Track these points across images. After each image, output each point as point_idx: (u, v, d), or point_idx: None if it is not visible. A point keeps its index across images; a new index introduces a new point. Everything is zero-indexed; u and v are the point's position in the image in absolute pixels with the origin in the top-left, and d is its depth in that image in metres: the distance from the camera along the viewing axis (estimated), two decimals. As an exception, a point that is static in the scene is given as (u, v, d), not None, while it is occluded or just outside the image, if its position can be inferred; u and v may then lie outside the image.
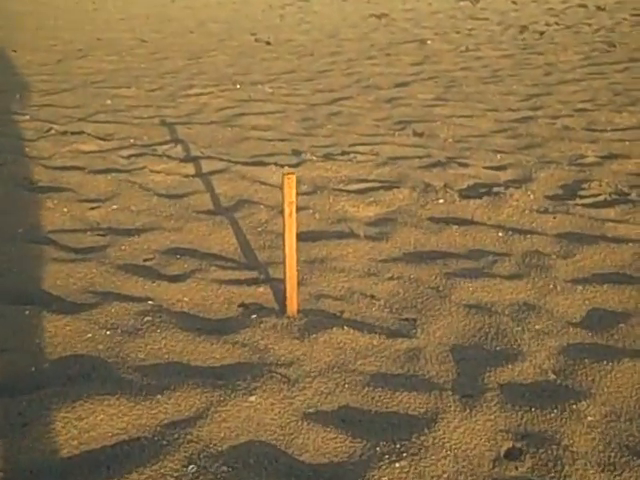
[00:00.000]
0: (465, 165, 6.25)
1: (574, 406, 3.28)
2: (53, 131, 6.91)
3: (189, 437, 3.05)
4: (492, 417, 3.22)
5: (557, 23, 14.57)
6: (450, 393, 3.36)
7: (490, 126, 7.51)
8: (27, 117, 7.35)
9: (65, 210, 5.27)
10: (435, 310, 4.09)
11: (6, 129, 6.96)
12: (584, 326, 3.96)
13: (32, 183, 5.72)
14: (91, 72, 9.62)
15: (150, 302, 4.12)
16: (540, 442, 3.07)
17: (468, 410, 3.24)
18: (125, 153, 6.43)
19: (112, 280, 4.36)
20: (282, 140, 6.88)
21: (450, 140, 7.04)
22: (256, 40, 12.12)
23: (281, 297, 4.16)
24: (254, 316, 4.00)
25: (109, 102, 8.11)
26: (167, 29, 13.14)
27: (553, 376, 3.54)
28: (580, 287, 4.29)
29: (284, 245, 3.95)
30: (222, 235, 4.97)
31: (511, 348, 3.74)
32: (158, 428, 3.13)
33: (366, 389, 3.42)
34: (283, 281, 4.03)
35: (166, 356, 3.66)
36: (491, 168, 6.23)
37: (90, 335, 3.80)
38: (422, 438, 3.08)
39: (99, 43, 11.65)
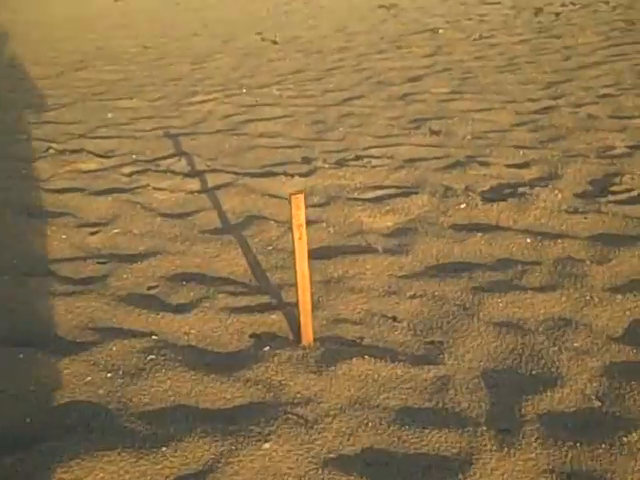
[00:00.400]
0: (486, 164, 5.88)
1: (624, 438, 2.93)
2: (52, 150, 6.62)
3: (198, 496, 2.75)
4: (533, 455, 2.88)
5: (573, 3, 14.11)
6: (485, 429, 3.03)
7: (510, 119, 7.12)
8: (25, 136, 7.07)
9: (64, 237, 4.98)
10: (463, 331, 3.75)
11: (4, 151, 6.69)
12: (627, 342, 3.60)
13: (29, 208, 5.43)
14: (92, 84, 9.33)
15: (154, 337, 3.82)
16: (590, 485, 2.74)
17: (506, 448, 2.91)
18: (127, 170, 6.13)
19: (113, 314, 4.06)
20: (292, 147, 6.55)
21: (469, 137, 6.67)
22: (262, 39, 11.80)
23: (295, 324, 3.83)
24: (267, 348, 3.69)
25: (110, 115, 7.82)
26: (171, 33, 12.85)
27: (597, 403, 3.19)
28: (619, 296, 3.93)
29: (296, 271, 3.63)
30: (231, 256, 4.65)
31: (548, 371, 3.40)
32: (164, 486, 2.83)
33: (392, 427, 3.09)
34: (297, 309, 3.71)
35: (172, 399, 3.35)
36: (514, 166, 5.86)
37: (90, 378, 3.50)
38: (456, 485, 2.75)
39: (100, 52, 11.37)
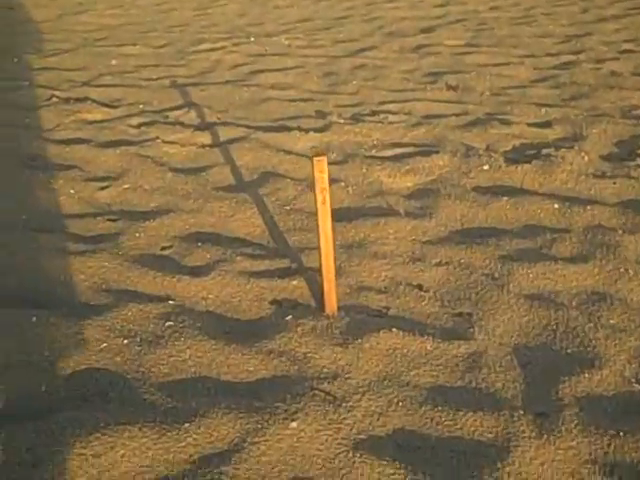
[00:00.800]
0: (507, 122, 5.68)
1: (669, 426, 2.81)
2: (55, 99, 6.38)
3: (223, 477, 2.61)
4: (574, 443, 2.75)
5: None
6: (521, 412, 2.90)
7: (529, 75, 6.89)
8: (26, 83, 6.82)
9: (72, 191, 4.79)
10: (492, 302, 3.60)
11: (4, 98, 6.45)
12: (665, 318, 3.46)
13: (34, 160, 5.22)
14: (93, 29, 9.02)
15: (171, 302, 3.67)
16: (635, 477, 2.61)
17: (545, 435, 2.78)
18: (134, 121, 5.90)
19: (127, 275, 3.90)
20: (304, 100, 6.32)
21: (487, 93, 6.45)
22: (268, -16, 11.43)
23: (318, 291, 3.68)
24: (289, 317, 3.53)
25: (114, 62, 7.55)
26: (173, -25, 12.46)
27: (638, 386, 3.06)
28: (655, 269, 3.78)
29: (319, 237, 3.46)
30: (246, 216, 4.48)
31: (585, 350, 3.26)
32: (187, 465, 2.70)
33: (423, 408, 2.96)
34: (319, 274, 3.55)
35: (192, 370, 3.21)
36: (536, 125, 5.66)
37: (106, 345, 3.36)
38: (495, 474, 2.62)
39: (101, -6, 11.02)
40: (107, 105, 6.27)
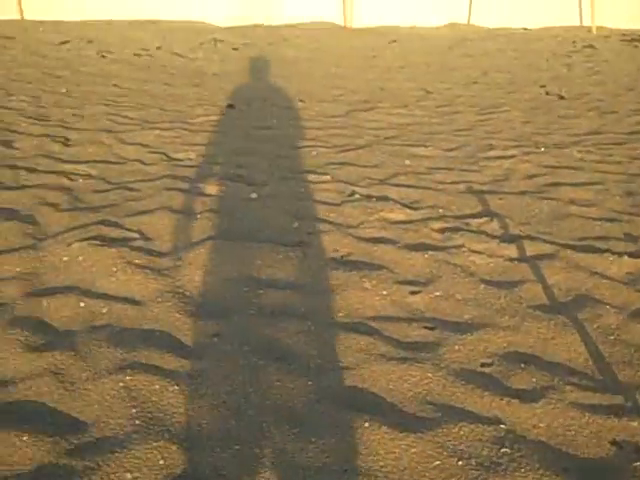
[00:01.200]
0: None
1: None
2: (357, 195, 6.56)
3: None
4: None
5: None
6: None
7: None
8: (327, 177, 7.07)
9: (384, 293, 4.84)
10: None
11: (308, 191, 6.73)
12: None
13: (343, 257, 5.35)
14: (382, 126, 9.29)
15: (502, 426, 3.54)
16: None
17: None
18: (436, 226, 5.92)
19: (452, 390, 3.83)
20: (609, 220, 6.08)
21: None
22: (547, 93, 11.36)
23: (662, 437, 3.43)
24: (638, 463, 3.29)
25: (408, 162, 7.69)
26: (449, 79, 12.71)
27: None
28: None
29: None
30: (567, 341, 4.30)
31: None
32: None
33: None
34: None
35: (536, 507, 3.05)
36: None
37: (439, 463, 3.29)
38: None
39: (383, 94, 11.41)
40: (407, 206, 6.35)
